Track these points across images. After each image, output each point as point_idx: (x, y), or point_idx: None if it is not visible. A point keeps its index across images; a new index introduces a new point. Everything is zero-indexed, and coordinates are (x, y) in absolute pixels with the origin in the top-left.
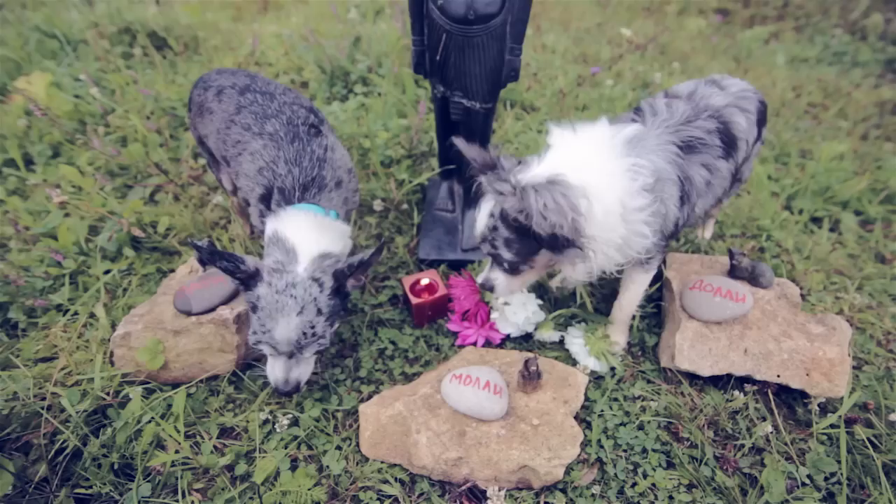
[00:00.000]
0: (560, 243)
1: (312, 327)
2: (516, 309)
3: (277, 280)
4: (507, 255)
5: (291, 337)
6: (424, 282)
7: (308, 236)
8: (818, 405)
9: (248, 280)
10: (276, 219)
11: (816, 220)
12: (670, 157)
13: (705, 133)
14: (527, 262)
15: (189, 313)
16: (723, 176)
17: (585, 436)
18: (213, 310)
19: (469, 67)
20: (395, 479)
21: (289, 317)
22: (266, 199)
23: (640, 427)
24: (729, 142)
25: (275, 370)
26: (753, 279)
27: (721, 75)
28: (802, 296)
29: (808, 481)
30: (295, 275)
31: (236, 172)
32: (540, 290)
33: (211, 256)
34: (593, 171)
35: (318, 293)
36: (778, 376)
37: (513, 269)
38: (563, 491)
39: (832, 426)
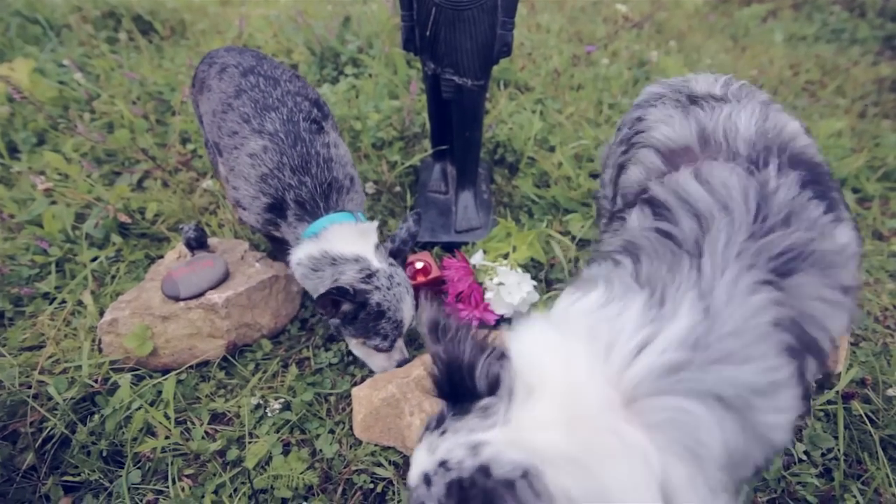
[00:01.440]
0: None
1: (413, 295)
2: (511, 290)
3: (378, 281)
4: None
5: (412, 312)
6: (418, 265)
7: (358, 243)
8: (815, 381)
9: (357, 300)
10: (318, 241)
11: None
12: (770, 328)
13: (799, 216)
14: None
15: (177, 298)
16: (847, 252)
17: None
18: (201, 295)
19: (460, 42)
20: (389, 461)
21: (405, 299)
22: (275, 209)
23: None
24: (824, 191)
25: (397, 353)
26: None
27: (695, 76)
28: None
29: (804, 457)
30: (383, 269)
31: (231, 168)
32: (535, 270)
33: (334, 301)
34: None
35: (401, 271)
36: None
37: None
38: None
39: (829, 402)
